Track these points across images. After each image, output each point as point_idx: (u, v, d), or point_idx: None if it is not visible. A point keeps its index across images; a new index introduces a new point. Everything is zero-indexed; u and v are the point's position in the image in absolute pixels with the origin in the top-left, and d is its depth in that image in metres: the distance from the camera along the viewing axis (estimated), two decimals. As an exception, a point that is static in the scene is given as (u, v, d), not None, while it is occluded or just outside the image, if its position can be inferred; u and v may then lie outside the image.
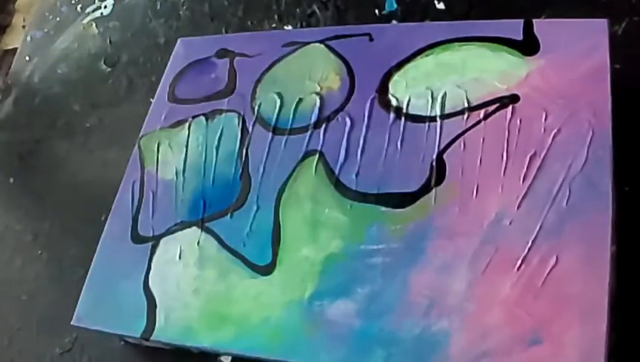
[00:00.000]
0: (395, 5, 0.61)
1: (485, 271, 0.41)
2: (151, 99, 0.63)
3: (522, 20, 0.50)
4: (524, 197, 0.43)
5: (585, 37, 0.47)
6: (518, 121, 0.46)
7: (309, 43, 0.58)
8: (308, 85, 0.55)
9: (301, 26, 0.65)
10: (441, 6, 0.59)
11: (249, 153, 0.54)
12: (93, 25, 0.80)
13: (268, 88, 0.57)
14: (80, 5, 0.84)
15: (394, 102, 0.51)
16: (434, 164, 0.47)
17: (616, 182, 0.41)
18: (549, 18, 0.52)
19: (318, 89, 0.54)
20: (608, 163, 0.42)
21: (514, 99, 0.47)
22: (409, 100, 0.50)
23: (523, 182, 0.43)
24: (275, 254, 0.47)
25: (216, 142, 0.56)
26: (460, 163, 0.46)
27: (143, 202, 0.55)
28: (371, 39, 0.55)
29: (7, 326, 0.60)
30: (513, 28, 0.50)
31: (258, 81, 0.57)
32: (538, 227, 0.41)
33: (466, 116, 0.48)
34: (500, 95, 0.47)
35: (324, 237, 0.47)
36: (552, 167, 0.43)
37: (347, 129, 0.51)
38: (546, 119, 0.45)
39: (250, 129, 0.55)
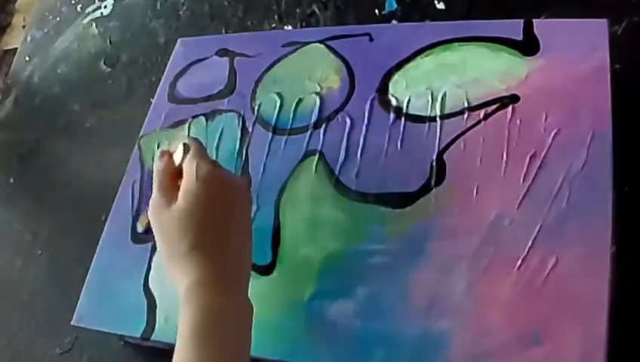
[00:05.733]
0: (395, 5, 0.61)
1: (485, 271, 0.41)
2: (151, 99, 0.63)
3: (522, 20, 0.50)
4: (524, 197, 0.43)
5: (585, 37, 0.47)
6: (518, 121, 0.46)
7: (309, 43, 0.58)
8: (308, 85, 0.55)
9: (301, 26, 0.65)
10: (441, 6, 0.59)
11: (249, 153, 0.54)
12: (93, 25, 0.80)
13: (268, 88, 0.57)
14: (80, 5, 0.84)
15: (394, 102, 0.51)
16: (434, 164, 0.47)
17: (616, 182, 0.41)
18: (549, 18, 0.52)
19: (318, 89, 0.54)
20: (608, 163, 0.42)
21: (514, 99, 0.47)
22: (409, 100, 0.50)
23: (523, 182, 0.43)
24: (275, 254, 0.47)
25: (216, 142, 0.56)
26: (460, 163, 0.46)
27: (143, 202, 0.55)
28: (371, 39, 0.55)
29: (8, 326, 0.60)
30: (513, 28, 0.50)
31: (258, 81, 0.58)
32: (538, 227, 0.41)
33: (466, 116, 0.48)
34: (500, 95, 0.47)
35: (324, 237, 0.47)
36: (552, 167, 0.43)
37: (347, 129, 0.51)
38: (546, 119, 0.45)
39: (250, 129, 0.55)
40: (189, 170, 0.42)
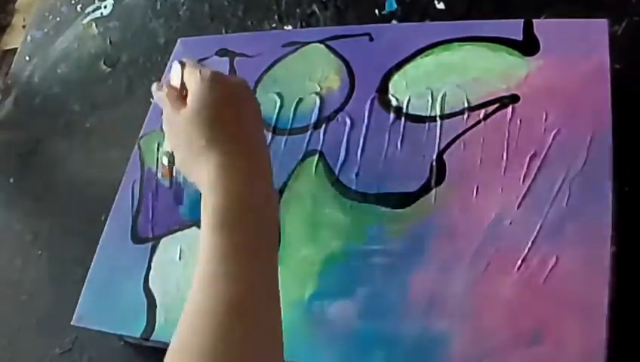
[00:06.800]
0: (395, 5, 0.62)
1: (485, 271, 0.41)
2: (151, 99, 0.63)
3: (522, 20, 0.50)
4: (524, 197, 0.43)
5: (585, 37, 0.47)
6: (518, 121, 0.46)
7: (309, 43, 0.58)
8: (308, 85, 0.55)
9: (301, 26, 0.65)
10: (441, 6, 0.59)
11: (249, 153, 0.54)
12: (93, 25, 0.80)
13: (268, 88, 0.57)
14: (80, 5, 0.84)
15: (394, 102, 0.51)
16: (434, 164, 0.47)
17: (616, 182, 0.41)
18: (549, 18, 0.52)
19: (318, 89, 0.54)
20: (608, 163, 0.42)
21: (514, 99, 0.47)
22: (409, 100, 0.50)
23: (523, 182, 0.43)
24: (275, 254, 0.47)
25: (216, 142, 0.56)
26: (460, 163, 0.46)
27: (143, 202, 0.55)
28: (371, 39, 0.55)
29: (7, 326, 0.61)
30: (513, 28, 0.50)
31: (258, 81, 0.58)
32: (538, 227, 0.41)
33: (466, 116, 0.48)
34: (500, 95, 0.47)
35: (324, 237, 0.47)
36: (552, 167, 0.43)
37: (347, 129, 0.51)
38: (546, 119, 0.45)
39: (250, 129, 0.55)
40: (193, 76, 0.44)
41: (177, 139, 0.44)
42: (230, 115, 0.42)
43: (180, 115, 0.43)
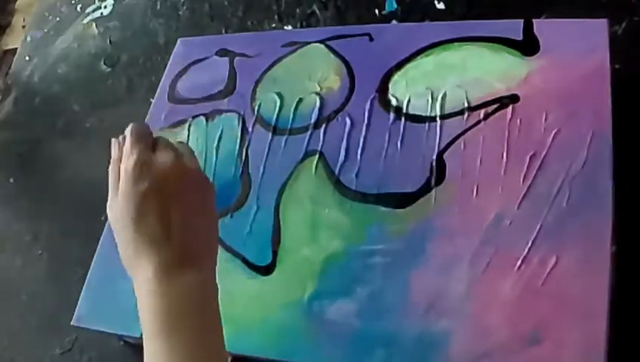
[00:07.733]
0: (395, 5, 0.62)
1: (485, 271, 0.41)
2: (151, 99, 0.63)
3: (522, 20, 0.50)
4: (524, 197, 0.43)
5: (585, 37, 0.47)
6: (518, 121, 0.46)
7: (309, 43, 0.58)
8: (308, 85, 0.55)
9: (301, 26, 0.65)
10: (441, 6, 0.59)
11: (249, 153, 0.54)
12: (93, 25, 0.80)
13: (268, 88, 0.57)
14: (80, 5, 0.84)
15: (394, 102, 0.51)
16: (434, 164, 0.47)
17: (616, 182, 0.41)
18: (549, 18, 0.52)
19: (318, 89, 0.54)
20: (608, 163, 0.42)
21: (514, 99, 0.47)
22: (409, 100, 0.50)
23: (523, 182, 0.43)
24: (275, 254, 0.47)
25: (216, 142, 0.56)
26: (459, 163, 0.46)
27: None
28: (371, 39, 0.55)
29: (8, 326, 0.60)
30: (513, 28, 0.50)
31: (258, 81, 0.58)
32: (538, 227, 0.41)
33: (466, 116, 0.48)
34: (500, 95, 0.47)
35: (324, 238, 0.47)
36: (552, 167, 0.43)
37: (347, 129, 0.51)
38: (546, 119, 0.45)
39: (250, 129, 0.55)
40: (123, 160, 0.40)
41: (114, 224, 0.41)
42: (151, 218, 0.38)
43: (115, 200, 0.40)
